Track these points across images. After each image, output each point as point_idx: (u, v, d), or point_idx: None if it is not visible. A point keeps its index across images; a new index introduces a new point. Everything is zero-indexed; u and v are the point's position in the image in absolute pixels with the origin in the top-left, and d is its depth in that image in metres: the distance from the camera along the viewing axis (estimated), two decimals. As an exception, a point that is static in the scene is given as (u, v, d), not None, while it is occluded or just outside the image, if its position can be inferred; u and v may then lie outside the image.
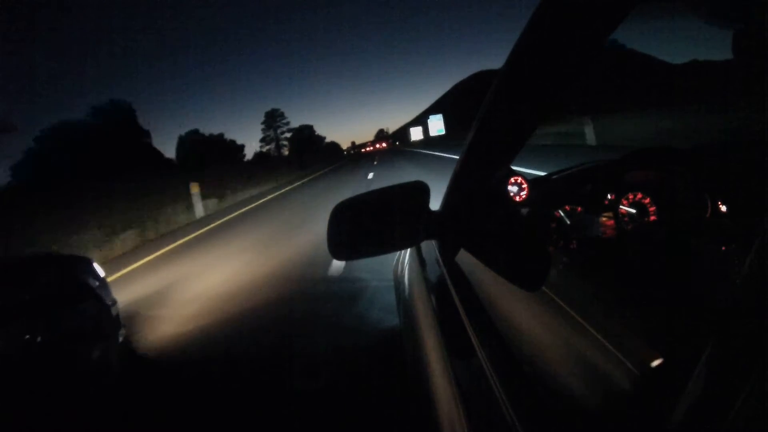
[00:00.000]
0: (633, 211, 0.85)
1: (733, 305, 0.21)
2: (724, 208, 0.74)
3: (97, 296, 2.15)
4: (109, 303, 2.24)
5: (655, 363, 0.34)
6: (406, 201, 0.80)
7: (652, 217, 0.83)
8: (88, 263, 2.34)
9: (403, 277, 1.17)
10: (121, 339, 2.29)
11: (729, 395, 0.19)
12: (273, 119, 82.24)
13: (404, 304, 1.07)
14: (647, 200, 0.84)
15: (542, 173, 1.14)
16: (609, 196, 0.87)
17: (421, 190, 0.80)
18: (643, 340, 0.37)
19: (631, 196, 0.85)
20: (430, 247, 0.98)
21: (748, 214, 0.68)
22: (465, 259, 0.78)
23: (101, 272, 2.36)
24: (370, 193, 0.81)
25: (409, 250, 1.21)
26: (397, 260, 1.40)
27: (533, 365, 0.44)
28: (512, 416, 0.38)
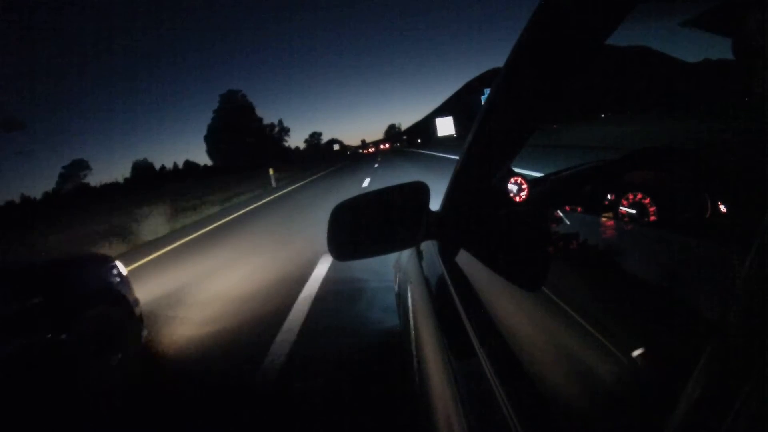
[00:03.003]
0: (633, 211, 0.85)
1: (733, 305, 0.21)
2: (724, 208, 0.75)
3: (120, 296, 2.13)
4: (132, 303, 2.20)
5: (655, 363, 0.34)
6: (406, 201, 0.80)
7: (652, 218, 0.83)
8: (111, 262, 2.28)
9: (403, 277, 1.17)
10: (143, 340, 2.24)
11: (729, 395, 0.19)
12: (233, 104, 53.62)
13: (404, 304, 1.07)
14: (647, 200, 0.84)
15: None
16: (609, 196, 0.87)
17: (421, 190, 0.80)
18: (643, 340, 0.37)
19: (631, 196, 0.85)
20: (430, 247, 0.98)
21: (748, 214, 0.68)
22: (465, 259, 0.78)
23: (124, 271, 2.31)
24: (370, 193, 0.81)
25: (409, 250, 1.21)
26: (397, 261, 1.40)
27: (533, 365, 0.44)
28: (512, 416, 0.38)
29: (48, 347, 1.59)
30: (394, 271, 1.45)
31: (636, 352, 0.36)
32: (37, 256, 2.33)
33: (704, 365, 0.21)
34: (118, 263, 2.30)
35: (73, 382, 1.66)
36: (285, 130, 70.48)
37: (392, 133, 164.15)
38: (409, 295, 1.00)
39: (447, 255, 0.82)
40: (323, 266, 3.50)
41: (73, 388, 1.64)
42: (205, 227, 8.34)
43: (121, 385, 1.91)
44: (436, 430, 0.53)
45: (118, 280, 2.17)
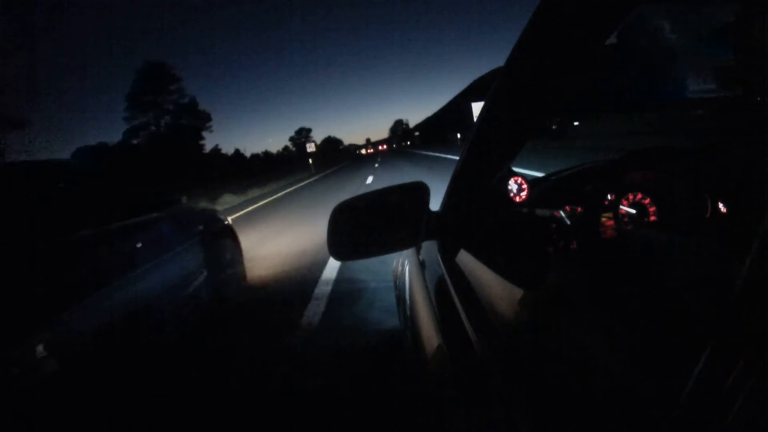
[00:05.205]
0: (633, 211, 0.85)
1: (733, 305, 0.21)
2: (724, 208, 0.75)
3: (233, 235, 3.12)
4: (238, 241, 3.17)
5: (655, 363, 0.34)
6: (406, 201, 0.81)
7: (652, 218, 0.83)
8: (220, 213, 3.24)
9: (403, 277, 1.17)
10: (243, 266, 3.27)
11: (729, 395, 0.19)
12: (154, 84, 31.86)
13: (404, 304, 1.07)
14: (647, 200, 0.84)
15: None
16: (609, 196, 0.87)
17: (421, 191, 0.80)
18: (643, 340, 0.37)
19: (631, 197, 0.85)
20: (430, 247, 0.98)
21: (748, 214, 0.68)
22: (465, 259, 0.78)
23: (228, 220, 3.22)
24: (370, 193, 0.81)
25: (409, 250, 1.21)
26: (397, 261, 1.40)
27: (533, 365, 0.44)
28: (512, 416, 0.38)
29: (210, 258, 2.64)
30: (394, 272, 1.45)
31: (636, 352, 0.36)
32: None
33: (704, 365, 0.21)
34: (226, 215, 3.27)
35: (218, 281, 2.73)
36: (202, 118, 35.34)
37: (398, 129, 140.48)
38: (409, 295, 1.00)
39: (447, 255, 0.82)
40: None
41: (218, 285, 2.71)
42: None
43: (236, 288, 3.01)
44: (437, 430, 0.53)
45: (228, 225, 3.13)
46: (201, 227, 2.66)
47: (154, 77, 32.77)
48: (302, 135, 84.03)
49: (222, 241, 2.90)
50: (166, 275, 2.14)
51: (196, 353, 2.24)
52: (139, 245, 2.01)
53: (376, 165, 17.75)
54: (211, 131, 37.90)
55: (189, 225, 2.57)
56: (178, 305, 2.23)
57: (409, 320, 0.92)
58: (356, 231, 0.81)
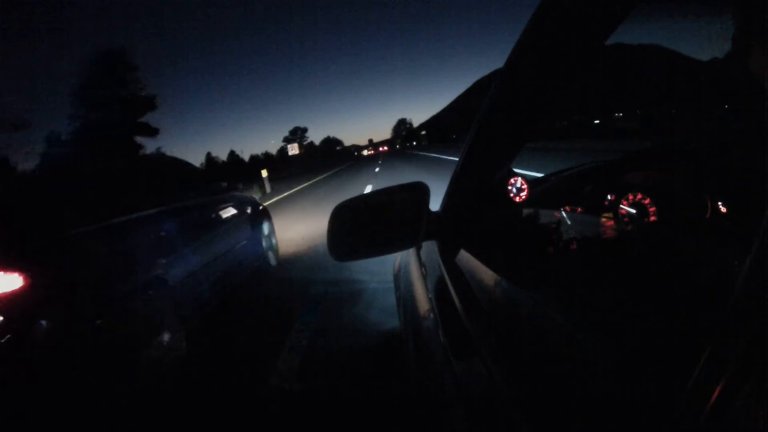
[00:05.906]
0: (633, 211, 0.85)
1: (733, 305, 0.21)
2: (724, 208, 0.75)
3: (270, 217, 4.09)
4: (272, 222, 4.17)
5: (655, 363, 0.34)
6: (406, 201, 0.81)
7: (652, 218, 0.83)
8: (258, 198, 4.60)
9: (403, 277, 1.17)
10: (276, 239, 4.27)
11: (729, 395, 0.19)
12: (103, 75, 23.14)
13: (404, 304, 1.07)
14: (647, 200, 0.84)
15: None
16: (609, 197, 0.87)
17: (421, 191, 0.80)
18: (643, 340, 0.37)
19: (631, 197, 0.85)
20: (430, 247, 0.98)
21: (748, 214, 0.68)
22: (465, 259, 0.78)
23: (263, 205, 4.13)
24: (371, 193, 0.81)
25: (409, 250, 1.21)
26: (397, 261, 1.40)
27: (533, 365, 0.44)
28: (513, 416, 0.38)
29: (251, 235, 3.50)
30: (394, 272, 1.45)
31: (636, 352, 0.36)
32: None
33: (704, 365, 0.21)
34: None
35: (262, 254, 3.68)
36: (137, 104, 25.01)
37: (402, 129, 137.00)
38: (410, 295, 1.00)
39: (447, 255, 0.82)
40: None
41: (258, 257, 3.59)
42: None
43: (274, 254, 4.01)
44: (437, 431, 0.53)
45: (265, 208, 4.08)
46: (251, 206, 3.72)
47: (103, 66, 24.21)
48: (297, 135, 78.40)
49: (264, 219, 3.97)
50: (238, 235, 3.23)
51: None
52: (221, 214, 3.08)
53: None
54: (152, 126, 24.98)
55: (245, 203, 3.64)
56: (244, 259, 3.26)
57: (410, 320, 0.92)
58: (356, 231, 0.81)
